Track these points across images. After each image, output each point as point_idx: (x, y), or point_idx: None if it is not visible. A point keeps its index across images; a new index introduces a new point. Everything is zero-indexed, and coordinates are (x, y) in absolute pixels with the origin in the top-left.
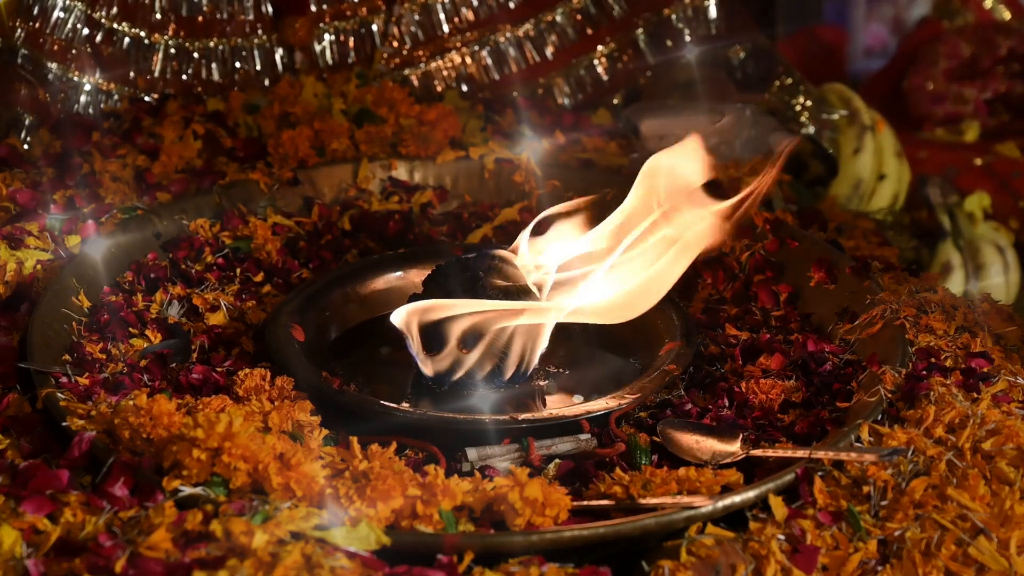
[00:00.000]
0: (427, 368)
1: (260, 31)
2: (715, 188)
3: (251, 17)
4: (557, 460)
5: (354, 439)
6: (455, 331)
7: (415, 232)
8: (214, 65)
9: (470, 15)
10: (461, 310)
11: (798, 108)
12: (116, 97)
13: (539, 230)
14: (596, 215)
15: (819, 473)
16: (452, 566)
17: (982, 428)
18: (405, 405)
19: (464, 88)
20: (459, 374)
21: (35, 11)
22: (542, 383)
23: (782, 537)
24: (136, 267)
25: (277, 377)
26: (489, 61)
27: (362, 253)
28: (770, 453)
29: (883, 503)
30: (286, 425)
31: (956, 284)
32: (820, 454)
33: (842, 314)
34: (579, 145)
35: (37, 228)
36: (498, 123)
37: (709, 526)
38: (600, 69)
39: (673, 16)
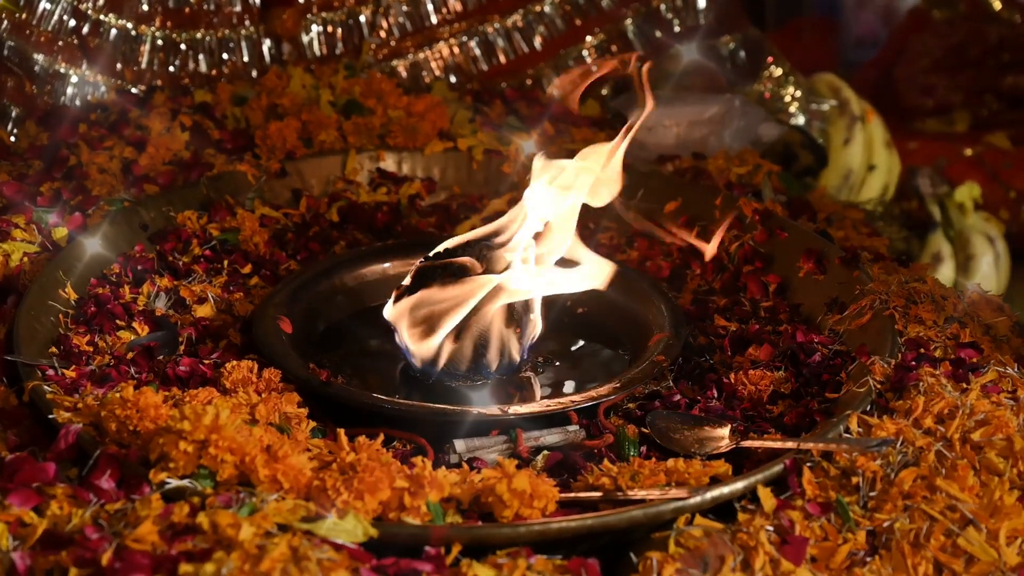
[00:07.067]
0: (415, 359)
1: (247, 22)
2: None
3: (238, 8)
4: (545, 452)
5: (341, 431)
6: (444, 322)
7: (403, 223)
8: (201, 56)
9: (458, 6)
10: (451, 301)
11: (788, 98)
12: (103, 89)
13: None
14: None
15: (808, 464)
16: (440, 558)
17: (971, 419)
18: (393, 397)
19: (452, 79)
20: (447, 365)
21: (21, 2)
22: (530, 374)
23: (771, 528)
24: (123, 259)
25: (264, 369)
26: (478, 52)
27: (350, 245)
28: (759, 444)
29: (872, 494)
30: (273, 417)
31: (946, 274)
32: (809, 445)
33: (831, 305)
34: (568, 136)
35: (24, 220)
36: (486, 114)
37: (697, 517)
38: (589, 60)
39: (662, 6)
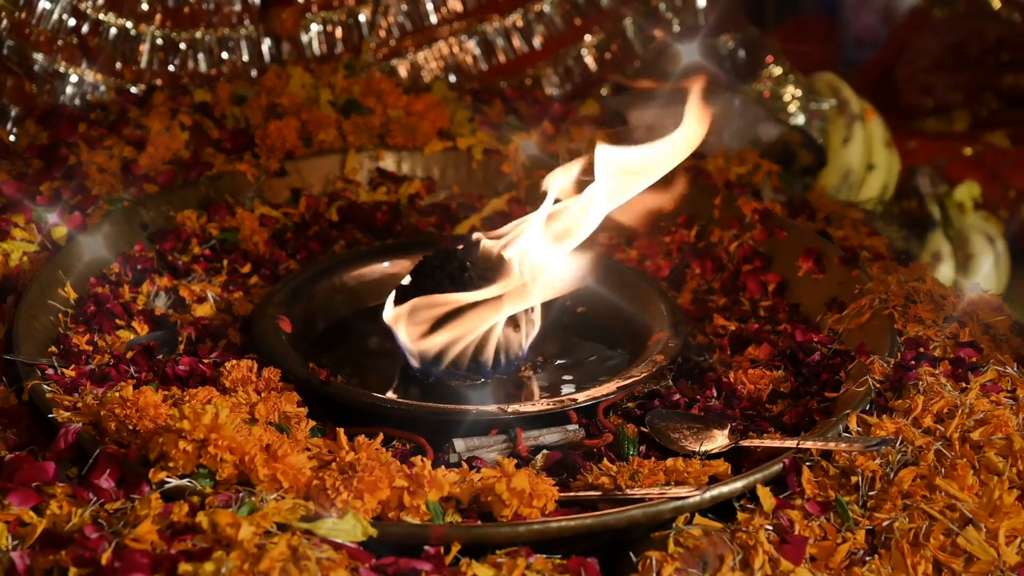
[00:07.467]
0: (415, 359)
1: (247, 21)
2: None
3: (238, 7)
4: (545, 451)
5: (341, 430)
6: (443, 323)
7: (403, 223)
8: (201, 56)
9: (458, 5)
10: (450, 305)
11: (787, 98)
12: (103, 88)
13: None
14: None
15: (807, 463)
16: (439, 557)
17: (971, 418)
18: (392, 396)
19: (452, 78)
20: (447, 365)
21: (21, 1)
22: (530, 373)
23: (770, 528)
24: (123, 259)
25: (264, 368)
26: (477, 51)
27: (350, 244)
28: (758, 443)
29: (871, 493)
30: (273, 417)
31: (945, 274)
32: (808, 444)
33: (831, 304)
34: (567, 136)
35: (23, 220)
36: (486, 114)
37: (697, 517)
38: (589, 59)
39: (661, 5)
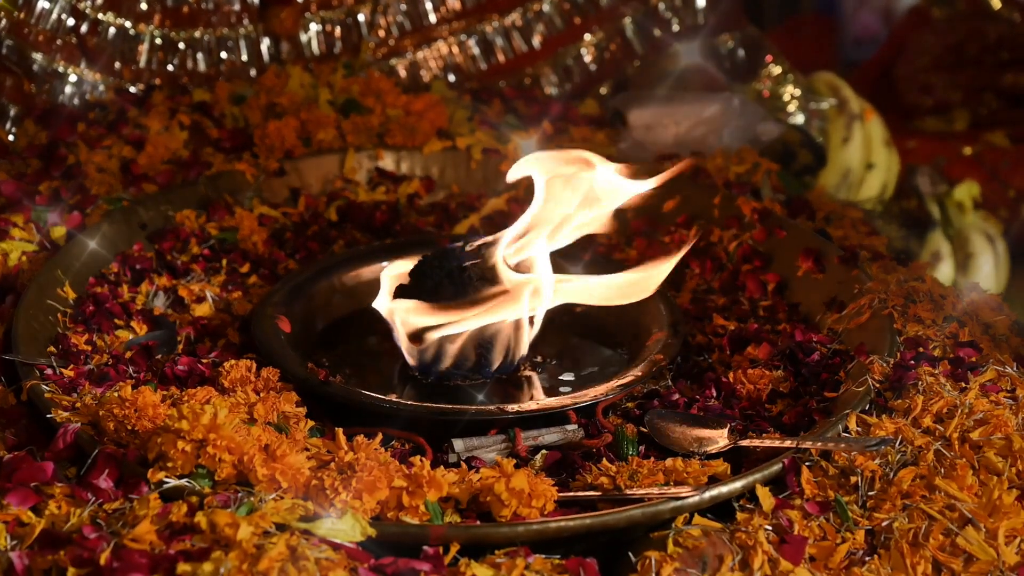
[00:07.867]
0: (413, 359)
1: (246, 21)
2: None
3: (237, 7)
4: (544, 451)
5: (340, 430)
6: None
7: (402, 223)
8: (200, 55)
9: (457, 4)
10: (447, 319)
11: (787, 97)
12: (102, 88)
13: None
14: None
15: (807, 463)
16: (438, 557)
17: (970, 418)
18: (391, 396)
19: (451, 78)
20: (446, 365)
21: (20, 1)
22: (529, 373)
23: (769, 528)
24: (122, 258)
25: (263, 368)
26: (476, 51)
27: (349, 244)
28: (757, 443)
29: (871, 493)
30: (271, 416)
31: (945, 273)
32: (807, 444)
33: (830, 303)
34: (567, 135)
35: (22, 219)
36: (485, 113)
37: (696, 517)
38: (588, 58)
39: (661, 5)
